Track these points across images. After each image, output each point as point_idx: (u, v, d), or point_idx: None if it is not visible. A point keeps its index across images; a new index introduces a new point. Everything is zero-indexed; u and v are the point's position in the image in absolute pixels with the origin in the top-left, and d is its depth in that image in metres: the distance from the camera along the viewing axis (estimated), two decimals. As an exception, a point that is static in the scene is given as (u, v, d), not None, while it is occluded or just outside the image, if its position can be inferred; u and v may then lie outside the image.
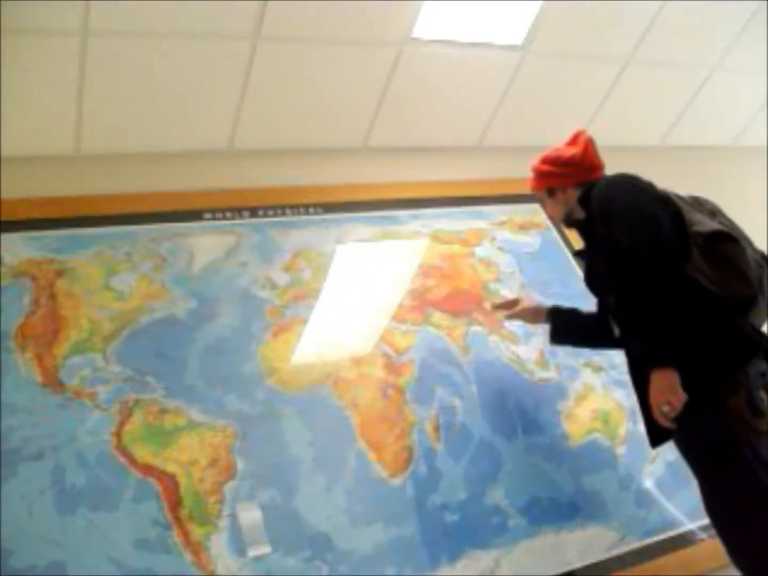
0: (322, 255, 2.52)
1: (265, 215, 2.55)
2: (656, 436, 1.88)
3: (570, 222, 2.14)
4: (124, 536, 1.80)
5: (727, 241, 1.89)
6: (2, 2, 2.00)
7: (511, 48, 2.84)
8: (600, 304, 2.12)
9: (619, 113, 3.30)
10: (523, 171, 3.10)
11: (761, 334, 1.84)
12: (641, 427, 2.49)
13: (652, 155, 3.52)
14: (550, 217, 2.36)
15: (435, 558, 2.03)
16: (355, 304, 2.45)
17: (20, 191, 2.25)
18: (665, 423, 1.73)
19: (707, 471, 1.83)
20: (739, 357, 1.78)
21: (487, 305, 2.56)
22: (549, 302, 2.41)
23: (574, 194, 2.07)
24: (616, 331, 2.00)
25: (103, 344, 2.08)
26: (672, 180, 3.44)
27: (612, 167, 3.37)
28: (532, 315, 2.35)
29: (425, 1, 2.54)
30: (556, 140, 3.29)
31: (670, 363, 1.70)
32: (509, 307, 2.38)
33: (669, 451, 2.49)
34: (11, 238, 2.18)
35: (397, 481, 2.13)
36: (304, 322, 2.34)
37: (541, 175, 2.15)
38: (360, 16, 2.49)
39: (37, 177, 2.33)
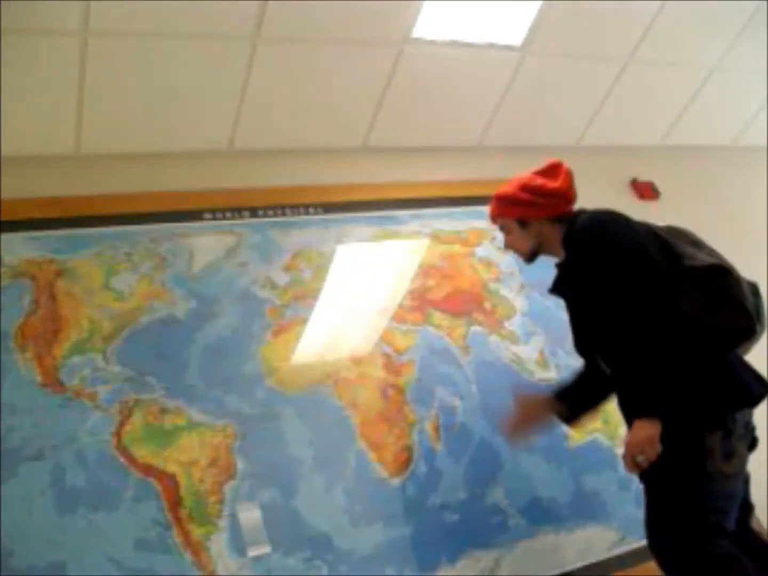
0: (322, 255, 2.52)
1: (265, 215, 2.55)
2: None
3: (533, 256, 2.04)
4: (124, 536, 1.81)
5: (722, 275, 1.86)
6: (2, 2, 2.00)
7: (511, 48, 2.83)
8: (584, 344, 2.03)
9: (619, 113, 3.30)
10: (522, 171, 3.12)
11: (764, 383, 1.82)
12: (641, 427, 2.50)
13: (652, 155, 3.52)
14: (510, 248, 2.07)
15: (435, 558, 2.03)
16: (355, 304, 2.45)
17: (20, 191, 2.25)
18: (632, 470, 1.76)
19: (660, 485, 1.82)
20: (736, 403, 1.78)
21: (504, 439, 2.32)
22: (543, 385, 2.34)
23: (549, 228, 1.99)
24: (605, 368, 1.94)
25: (103, 344, 2.08)
26: (672, 180, 3.47)
27: (612, 167, 3.39)
28: (543, 418, 2.17)
29: (425, 1, 2.54)
30: (556, 140, 3.32)
31: (658, 416, 1.70)
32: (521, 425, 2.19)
33: (669, 451, 2.50)
34: (11, 238, 2.17)
35: (397, 481, 2.13)
36: (304, 322, 2.34)
37: (515, 203, 2.01)
38: (360, 16, 2.49)
39: (37, 177, 2.33)
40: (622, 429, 2.48)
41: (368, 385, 2.26)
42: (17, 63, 2.17)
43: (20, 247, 2.18)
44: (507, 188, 2.05)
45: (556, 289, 2.03)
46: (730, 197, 3.56)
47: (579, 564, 2.19)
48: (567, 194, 2.02)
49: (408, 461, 2.16)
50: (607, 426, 2.47)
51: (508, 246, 2.08)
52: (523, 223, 2.01)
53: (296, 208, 2.61)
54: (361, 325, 2.41)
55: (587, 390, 2.10)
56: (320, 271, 2.48)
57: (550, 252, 2.01)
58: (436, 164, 2.97)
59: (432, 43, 2.68)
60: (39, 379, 1.97)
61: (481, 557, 2.09)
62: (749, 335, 1.81)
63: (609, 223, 1.89)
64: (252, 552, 1.88)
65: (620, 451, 2.39)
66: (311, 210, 2.63)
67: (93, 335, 2.09)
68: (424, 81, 2.79)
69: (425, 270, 2.62)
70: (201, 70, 2.43)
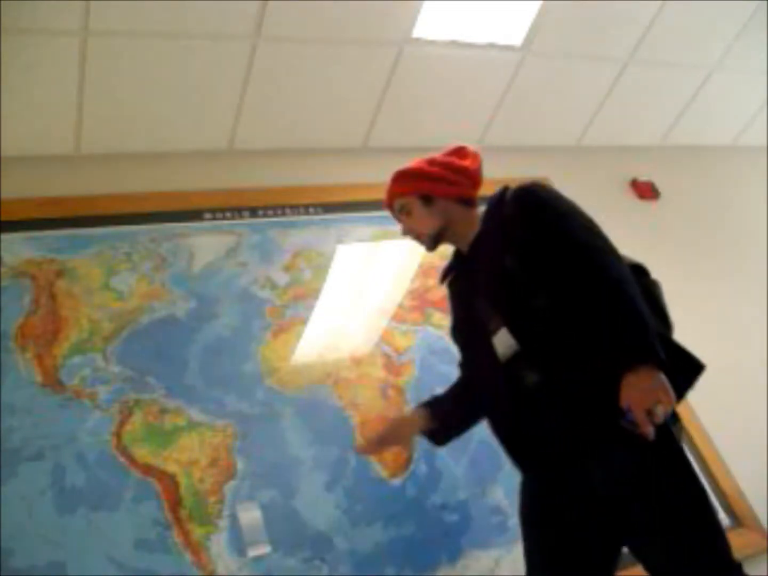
0: (322, 255, 2.52)
1: (265, 215, 2.55)
2: (527, 461, 1.72)
3: (437, 240, 1.84)
4: (124, 536, 1.81)
5: (644, 274, 1.78)
6: (2, 2, 2.00)
7: (511, 48, 2.84)
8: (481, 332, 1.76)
9: (619, 113, 3.30)
10: (523, 171, 3.12)
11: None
12: (641, 427, 2.50)
13: (652, 155, 3.52)
14: (411, 232, 1.85)
15: (435, 558, 2.03)
16: (355, 304, 2.45)
17: (20, 191, 2.25)
18: (647, 430, 1.43)
19: (665, 503, 1.54)
20: (687, 381, 1.66)
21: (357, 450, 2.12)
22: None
23: (455, 209, 1.82)
24: (508, 348, 1.67)
25: (103, 344, 2.08)
26: (672, 180, 3.47)
27: (612, 167, 3.39)
28: (413, 434, 1.94)
29: (425, 1, 2.54)
30: (556, 140, 3.32)
31: (662, 358, 1.47)
32: (383, 444, 1.97)
33: (669, 451, 2.51)
34: (11, 238, 2.17)
35: (397, 481, 2.13)
36: (304, 322, 2.34)
37: (421, 177, 1.83)
38: (360, 16, 2.49)
39: (37, 177, 2.33)
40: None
41: (368, 385, 2.26)
42: (17, 63, 2.17)
43: (20, 247, 2.18)
44: (410, 164, 1.87)
45: (459, 273, 1.87)
46: (730, 197, 3.56)
47: (579, 564, 2.19)
48: (476, 176, 1.87)
49: (408, 461, 2.16)
50: (607, 426, 2.46)
51: (409, 230, 1.85)
52: (428, 200, 1.81)
53: (296, 208, 2.61)
54: (361, 325, 2.41)
55: (463, 410, 1.92)
56: (320, 271, 2.48)
57: (454, 238, 1.84)
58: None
59: (432, 43, 2.68)
60: (39, 379, 1.97)
61: (481, 557, 2.08)
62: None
63: (547, 188, 1.79)
64: (252, 552, 1.88)
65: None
66: (311, 210, 2.63)
67: (93, 335, 2.09)
68: (424, 81, 2.79)
69: (425, 270, 2.61)
70: (201, 70, 2.43)
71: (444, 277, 1.93)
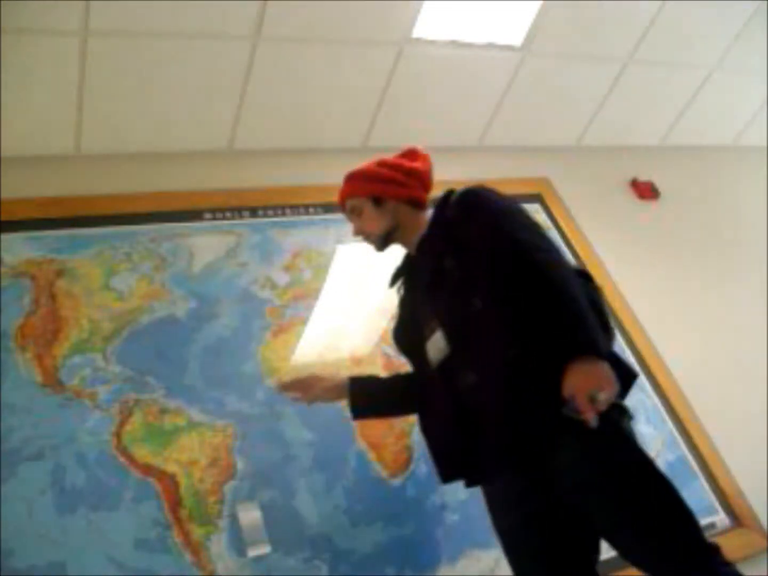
0: (322, 255, 2.52)
1: (265, 215, 2.55)
2: (450, 470, 1.72)
3: (386, 241, 1.86)
4: (124, 536, 1.80)
5: (589, 280, 1.77)
6: (2, 2, 2.00)
7: (511, 48, 2.84)
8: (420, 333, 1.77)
9: (619, 113, 3.30)
10: (523, 171, 3.12)
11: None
12: (641, 428, 2.51)
13: (652, 155, 3.52)
14: (361, 232, 1.88)
15: (435, 558, 2.03)
16: (355, 304, 2.45)
17: (20, 191, 2.25)
18: (590, 416, 1.44)
19: (628, 493, 1.52)
20: (625, 382, 1.63)
21: (273, 383, 2.12)
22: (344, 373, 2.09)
23: (405, 211, 1.84)
24: (440, 352, 1.69)
25: (103, 344, 2.08)
26: (672, 180, 3.47)
27: (612, 167, 3.39)
28: (333, 393, 1.93)
29: (425, 1, 2.54)
30: (555, 140, 3.32)
31: (603, 350, 1.49)
32: (302, 388, 1.93)
33: (669, 451, 2.51)
34: (11, 238, 2.17)
35: (397, 481, 2.13)
36: (304, 322, 2.34)
37: (372, 178, 1.86)
38: (360, 16, 2.49)
39: (37, 177, 2.33)
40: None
41: (368, 385, 2.26)
42: (17, 63, 2.17)
43: (20, 247, 2.18)
44: (361, 166, 1.89)
45: (408, 275, 1.88)
46: (730, 197, 3.56)
47: (579, 564, 2.19)
48: (426, 178, 1.89)
49: (408, 461, 2.16)
50: (607, 426, 2.46)
51: (359, 230, 1.88)
52: (378, 201, 1.84)
53: (296, 208, 2.61)
54: (361, 325, 2.41)
55: (394, 394, 1.92)
56: (320, 271, 2.48)
57: (403, 240, 1.86)
58: (436, 164, 2.96)
59: (432, 43, 2.68)
60: (39, 379, 1.97)
61: (481, 557, 2.08)
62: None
63: (488, 190, 1.81)
64: (252, 552, 1.88)
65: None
66: (311, 210, 2.63)
67: (93, 335, 2.09)
68: (424, 81, 2.79)
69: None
70: (201, 70, 2.43)
71: (394, 280, 1.95)
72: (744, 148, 3.82)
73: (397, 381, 1.97)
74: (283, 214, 2.58)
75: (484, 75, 2.89)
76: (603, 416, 1.46)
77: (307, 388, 1.91)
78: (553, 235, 2.97)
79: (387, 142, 2.90)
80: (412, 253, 1.87)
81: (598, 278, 2.84)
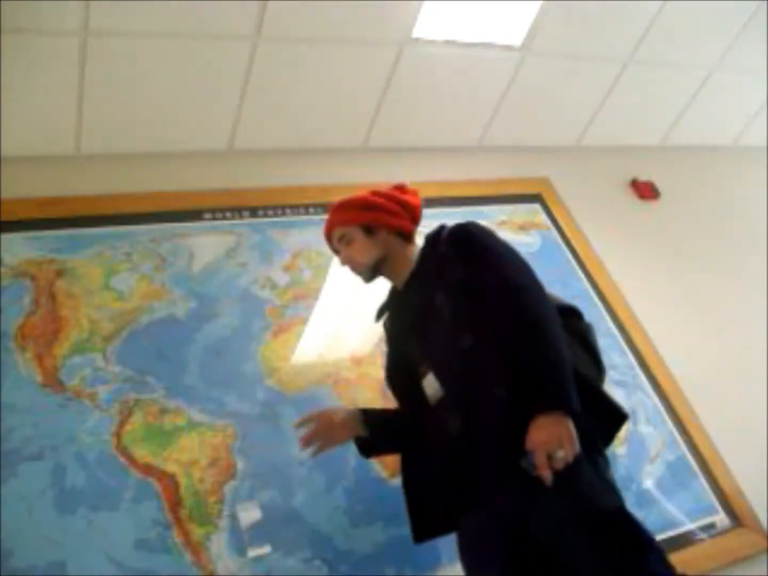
0: (322, 255, 2.52)
1: (265, 215, 2.55)
2: (423, 529, 1.71)
3: (375, 271, 1.84)
4: (124, 536, 1.80)
5: (580, 318, 1.78)
6: (2, 2, 2.00)
7: (511, 48, 2.84)
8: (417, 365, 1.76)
9: (619, 113, 3.30)
10: (523, 171, 3.12)
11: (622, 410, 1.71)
12: (641, 428, 2.51)
13: (652, 155, 3.52)
14: (349, 261, 1.85)
15: (435, 558, 2.03)
16: (355, 304, 2.45)
17: (20, 191, 2.25)
18: (545, 474, 1.46)
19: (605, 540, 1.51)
20: (612, 425, 1.67)
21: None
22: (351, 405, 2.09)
23: (395, 242, 1.83)
24: (436, 391, 1.69)
25: (103, 344, 2.08)
26: (672, 180, 3.47)
27: (612, 167, 3.40)
28: (346, 431, 1.86)
29: (425, 1, 2.54)
30: (556, 140, 3.32)
31: (574, 408, 1.49)
32: (319, 432, 1.84)
33: (669, 451, 2.51)
34: (11, 238, 2.17)
35: (397, 481, 2.12)
36: (304, 322, 2.34)
37: (366, 207, 1.84)
38: (360, 16, 2.49)
39: (37, 177, 2.33)
40: (622, 429, 2.49)
41: (368, 385, 2.26)
42: (17, 63, 2.17)
43: (20, 247, 2.18)
44: (353, 196, 1.89)
45: (395, 310, 1.87)
46: (730, 197, 3.56)
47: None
48: (416, 211, 1.89)
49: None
50: (607, 426, 2.46)
51: (347, 259, 1.86)
52: (369, 230, 1.83)
53: (296, 208, 2.61)
54: (361, 325, 2.41)
55: (399, 429, 1.86)
56: (320, 271, 2.48)
57: (391, 272, 1.84)
58: (436, 164, 2.97)
59: (432, 43, 2.68)
60: (39, 379, 1.97)
61: (481, 557, 2.08)
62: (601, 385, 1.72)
63: (480, 226, 1.80)
64: (252, 552, 1.88)
65: (620, 451, 2.41)
66: (311, 210, 2.63)
67: (93, 335, 2.09)
68: (424, 81, 2.79)
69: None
70: (201, 70, 2.43)
71: (380, 314, 1.94)
72: (744, 148, 3.82)
73: (402, 417, 1.90)
74: (283, 214, 2.58)
75: (484, 75, 2.89)
76: (587, 460, 1.50)
77: (324, 432, 1.83)
78: (553, 235, 2.97)
79: (387, 142, 2.91)
80: (399, 287, 1.86)
81: (599, 278, 2.86)
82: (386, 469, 2.13)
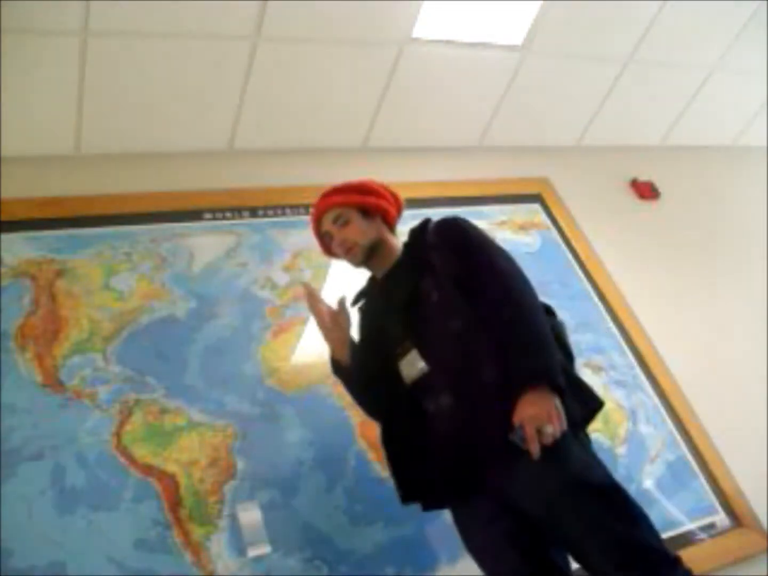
0: (322, 255, 2.52)
1: (265, 215, 2.55)
2: (410, 491, 1.73)
3: (370, 254, 1.85)
4: (124, 536, 1.80)
5: (552, 314, 1.80)
6: (2, 2, 2.00)
7: (511, 48, 2.84)
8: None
9: (619, 113, 3.30)
10: (523, 171, 3.12)
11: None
12: (641, 428, 2.51)
13: (652, 155, 3.52)
14: (346, 242, 1.84)
15: (435, 558, 2.03)
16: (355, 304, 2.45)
17: (20, 191, 2.25)
18: (534, 447, 1.49)
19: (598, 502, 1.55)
20: (591, 408, 1.68)
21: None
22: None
23: (384, 230, 1.88)
24: (416, 370, 1.71)
25: (103, 344, 2.08)
26: (672, 180, 3.47)
27: (612, 167, 3.40)
28: (340, 341, 1.87)
29: (425, 1, 2.54)
30: (556, 140, 3.32)
31: (561, 385, 1.53)
32: (326, 324, 1.86)
33: (669, 451, 2.51)
34: (11, 238, 2.17)
35: (397, 481, 2.12)
36: (304, 322, 2.34)
37: (364, 191, 1.89)
38: (360, 16, 2.49)
39: (37, 177, 2.33)
40: (622, 429, 2.50)
41: (368, 385, 2.26)
42: (17, 63, 2.17)
43: (20, 247, 2.18)
44: (348, 181, 1.93)
45: (373, 296, 1.90)
46: (730, 197, 3.56)
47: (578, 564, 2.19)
48: (401, 204, 1.97)
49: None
50: (607, 426, 2.46)
51: (342, 240, 1.85)
52: (366, 214, 1.86)
53: (296, 208, 2.61)
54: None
55: (378, 382, 1.83)
56: (320, 271, 2.48)
57: (379, 258, 1.86)
58: (436, 164, 2.97)
59: (432, 43, 2.68)
60: (39, 379, 1.97)
61: (481, 557, 2.08)
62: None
63: (464, 220, 1.83)
64: (252, 552, 1.88)
65: (620, 451, 2.41)
66: (311, 210, 2.63)
67: (93, 335, 2.09)
68: (424, 81, 2.79)
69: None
70: (201, 70, 2.43)
71: (356, 300, 1.97)
72: (744, 148, 3.82)
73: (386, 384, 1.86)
74: (283, 214, 2.58)
75: (484, 75, 2.89)
76: (574, 436, 1.55)
77: (331, 326, 1.85)
78: (553, 235, 2.97)
79: (387, 142, 2.91)
80: (378, 276, 1.90)
81: (598, 278, 2.86)
82: (386, 469, 2.12)
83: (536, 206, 3.04)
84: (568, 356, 1.76)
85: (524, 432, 1.50)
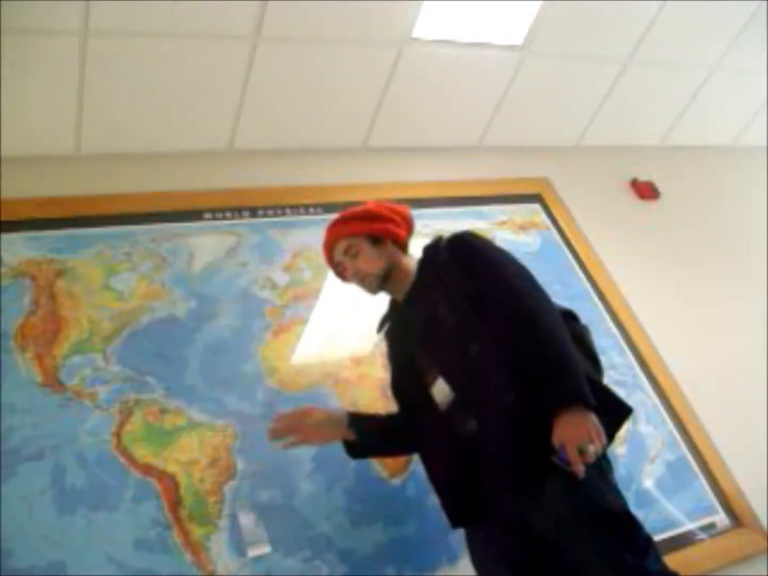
0: (322, 255, 2.52)
1: (265, 215, 2.55)
2: (461, 515, 1.72)
3: (384, 281, 1.85)
4: (124, 536, 1.80)
5: (575, 320, 1.81)
6: (2, 2, 2.00)
7: (511, 48, 2.84)
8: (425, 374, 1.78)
9: (619, 113, 3.30)
10: (523, 171, 3.12)
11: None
12: (641, 428, 2.51)
13: (652, 155, 3.52)
14: (358, 273, 1.85)
15: (435, 558, 2.03)
16: (355, 304, 2.45)
17: (20, 191, 2.25)
18: (579, 468, 1.47)
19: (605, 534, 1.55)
20: (619, 417, 1.69)
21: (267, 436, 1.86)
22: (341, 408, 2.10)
23: (396, 253, 1.87)
24: (446, 396, 1.71)
25: (103, 344, 2.08)
26: (672, 180, 3.48)
27: (612, 167, 3.40)
28: (329, 429, 1.85)
29: (425, 1, 2.54)
30: (556, 140, 3.32)
31: (592, 404, 1.51)
32: (292, 426, 1.83)
33: (669, 451, 2.51)
34: (11, 238, 2.17)
35: (397, 481, 2.13)
36: (304, 322, 2.34)
37: (371, 218, 1.86)
38: (360, 16, 2.49)
39: (37, 177, 2.33)
40: (622, 429, 2.49)
41: (368, 385, 2.26)
42: (17, 63, 2.17)
43: (20, 247, 2.18)
44: (353, 208, 1.92)
45: (396, 321, 1.89)
46: (730, 197, 3.56)
47: (579, 564, 2.19)
48: (412, 222, 1.94)
49: (408, 461, 2.16)
50: (607, 426, 2.46)
51: (356, 271, 1.86)
52: (375, 240, 1.85)
53: (296, 208, 2.61)
54: (361, 325, 2.41)
55: (390, 433, 1.90)
56: (320, 271, 2.48)
57: (394, 282, 1.86)
58: (436, 164, 2.97)
59: (432, 43, 2.68)
60: (39, 379, 1.97)
61: (481, 557, 2.08)
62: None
63: (479, 237, 1.84)
64: (252, 552, 1.88)
65: (620, 450, 2.41)
66: (311, 210, 2.63)
67: (93, 335, 2.09)
68: (424, 81, 2.79)
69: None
70: (201, 70, 2.43)
71: (381, 326, 1.97)
72: (744, 148, 3.82)
73: (394, 422, 1.93)
74: (283, 214, 2.58)
75: (484, 75, 2.89)
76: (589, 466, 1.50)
77: (298, 425, 1.83)
78: (553, 235, 2.97)
79: (387, 142, 2.91)
80: (398, 299, 1.89)
81: (599, 278, 2.86)
82: (386, 469, 2.13)
83: (536, 206, 3.04)
84: (594, 361, 1.74)
85: (566, 453, 1.48)
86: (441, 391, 1.73)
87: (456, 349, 1.70)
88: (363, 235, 1.86)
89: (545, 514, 1.57)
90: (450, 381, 1.71)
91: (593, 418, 1.51)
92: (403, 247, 1.92)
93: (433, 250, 1.84)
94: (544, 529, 1.58)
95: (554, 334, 1.59)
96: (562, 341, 1.59)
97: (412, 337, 1.82)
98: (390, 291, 1.91)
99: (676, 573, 1.59)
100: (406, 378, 1.86)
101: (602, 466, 1.63)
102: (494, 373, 1.63)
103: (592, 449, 1.48)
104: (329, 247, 1.94)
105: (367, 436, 1.87)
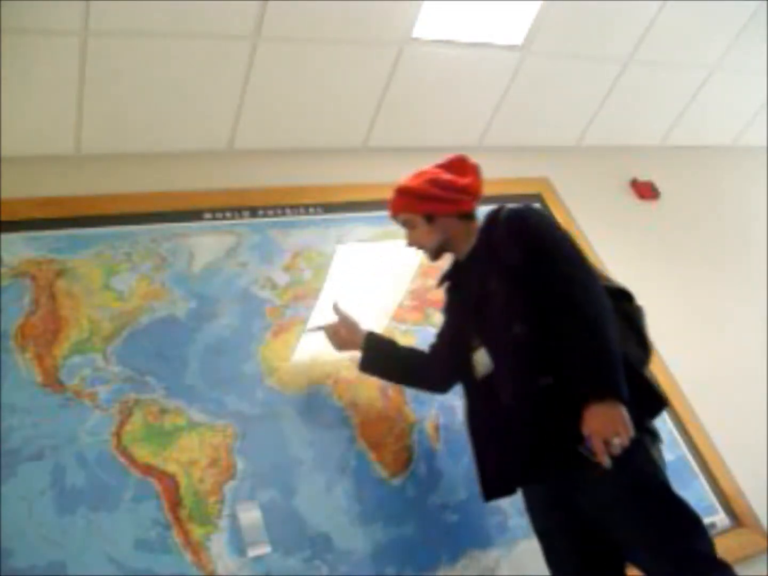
0: (322, 255, 2.52)
1: (265, 215, 2.55)
2: (494, 489, 1.83)
3: (440, 253, 1.97)
4: (124, 536, 1.80)
5: (629, 300, 1.83)
6: (2, 2, 2.00)
7: (511, 48, 2.84)
8: (454, 339, 1.95)
9: (619, 113, 3.30)
10: (523, 171, 3.12)
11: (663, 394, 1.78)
12: (641, 427, 2.50)
13: (652, 155, 3.52)
14: (414, 244, 1.98)
15: (435, 558, 2.03)
16: (355, 304, 2.45)
17: (20, 191, 2.25)
18: (603, 459, 1.52)
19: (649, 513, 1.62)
20: (652, 408, 1.71)
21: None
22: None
23: (455, 224, 1.93)
24: (485, 367, 1.82)
25: (103, 344, 2.08)
26: (672, 180, 3.47)
27: (612, 167, 3.40)
28: (350, 344, 2.13)
29: (425, 1, 2.54)
30: (555, 140, 3.32)
31: (624, 398, 1.54)
32: (331, 333, 2.16)
33: (669, 451, 2.50)
34: (11, 238, 2.17)
35: (397, 481, 2.13)
36: (304, 322, 2.34)
37: (424, 198, 1.92)
38: (360, 16, 2.49)
39: (37, 177, 2.33)
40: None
41: (368, 385, 2.26)
42: (17, 63, 2.17)
43: (20, 247, 2.17)
44: (413, 182, 1.95)
45: (455, 281, 1.99)
46: (730, 197, 3.56)
47: (579, 564, 2.19)
48: (477, 191, 1.97)
49: (408, 461, 2.16)
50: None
51: (413, 242, 1.99)
52: (430, 218, 1.93)
53: (296, 208, 2.61)
54: (362, 325, 2.41)
55: (395, 359, 2.10)
56: (320, 271, 2.48)
57: (454, 249, 1.96)
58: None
59: (432, 43, 2.68)
60: (39, 379, 1.97)
61: (481, 557, 2.08)
62: (643, 363, 1.76)
63: (540, 214, 1.93)
64: (252, 552, 1.88)
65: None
66: (311, 210, 2.63)
67: (93, 335, 2.09)
68: (424, 81, 2.79)
69: (425, 270, 2.62)
70: (201, 70, 2.43)
71: (441, 281, 2.05)
72: (744, 148, 3.82)
73: (409, 353, 2.12)
74: (283, 214, 2.58)
75: (484, 75, 2.89)
76: (634, 441, 1.55)
77: (335, 333, 2.13)
78: (553, 235, 2.97)
79: (387, 142, 2.91)
80: (461, 260, 1.96)
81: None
82: (386, 468, 2.13)
83: (536, 206, 3.04)
84: (643, 345, 1.77)
85: (592, 444, 1.53)
86: (481, 359, 1.81)
87: (502, 326, 1.74)
88: (417, 212, 1.94)
89: (587, 492, 1.64)
90: (491, 354, 1.79)
91: (623, 412, 1.53)
92: (465, 215, 1.94)
93: (493, 221, 1.88)
94: (586, 507, 1.66)
95: (598, 327, 1.61)
96: (605, 334, 1.60)
97: (466, 302, 1.90)
98: (453, 253, 1.99)
99: (724, 561, 1.60)
100: (456, 336, 1.96)
101: (645, 441, 1.67)
102: (535, 354, 1.68)
103: (617, 442, 1.51)
104: (393, 214, 2.02)
105: (374, 358, 2.08)
